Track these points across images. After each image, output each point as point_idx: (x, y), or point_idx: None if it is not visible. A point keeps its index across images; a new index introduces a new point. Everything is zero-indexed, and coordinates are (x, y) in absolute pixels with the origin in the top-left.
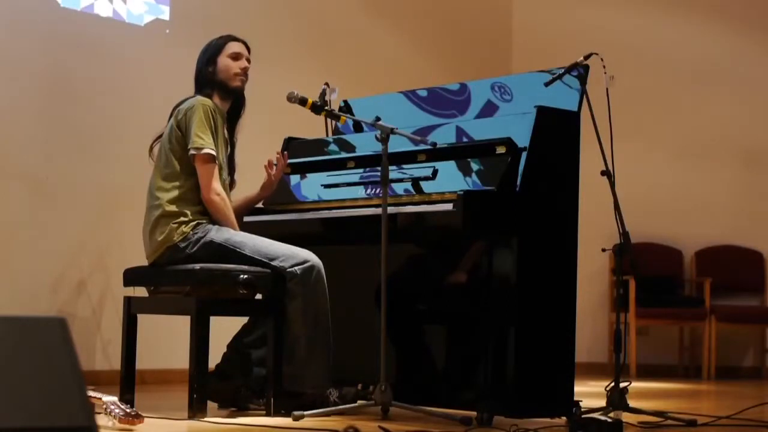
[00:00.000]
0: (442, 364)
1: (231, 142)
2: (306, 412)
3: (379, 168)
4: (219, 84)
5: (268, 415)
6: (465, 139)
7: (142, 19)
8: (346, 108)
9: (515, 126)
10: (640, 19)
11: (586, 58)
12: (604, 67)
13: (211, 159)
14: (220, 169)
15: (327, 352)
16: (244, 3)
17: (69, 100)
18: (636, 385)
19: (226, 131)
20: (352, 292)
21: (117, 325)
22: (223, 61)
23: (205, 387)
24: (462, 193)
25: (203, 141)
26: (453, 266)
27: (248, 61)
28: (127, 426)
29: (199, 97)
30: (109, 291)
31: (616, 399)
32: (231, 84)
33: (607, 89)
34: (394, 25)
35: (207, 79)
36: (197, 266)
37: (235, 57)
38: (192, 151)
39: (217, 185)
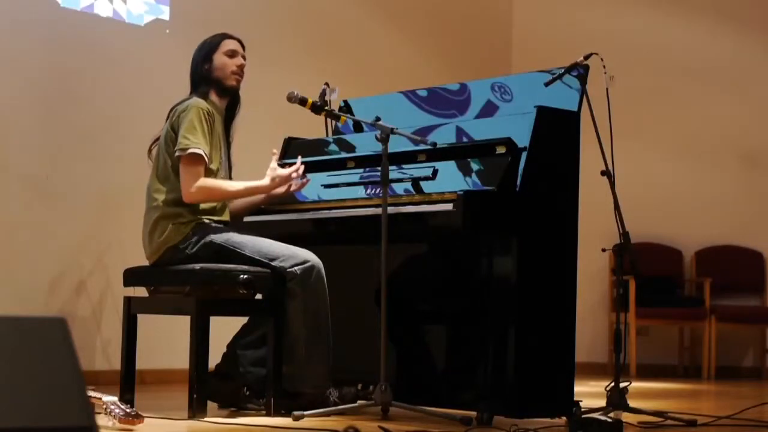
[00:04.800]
0: (442, 364)
1: (227, 141)
2: (306, 412)
3: (379, 168)
4: (215, 82)
5: (268, 415)
6: (465, 139)
7: (142, 19)
8: (346, 108)
9: (515, 126)
10: (640, 19)
11: (586, 58)
12: (604, 67)
13: (195, 160)
14: (218, 170)
15: (327, 352)
16: (244, 3)
17: (69, 100)
18: (636, 385)
19: (223, 130)
20: (352, 292)
21: (117, 325)
22: (220, 58)
23: (205, 387)
24: (462, 193)
25: (189, 141)
26: (453, 266)
27: (244, 58)
28: (127, 426)
29: (195, 99)
30: (109, 291)
31: (616, 399)
32: (227, 82)
33: (607, 89)
34: (394, 25)
35: (203, 77)
36: (197, 266)
37: (231, 54)
38: (177, 153)
39: (194, 186)
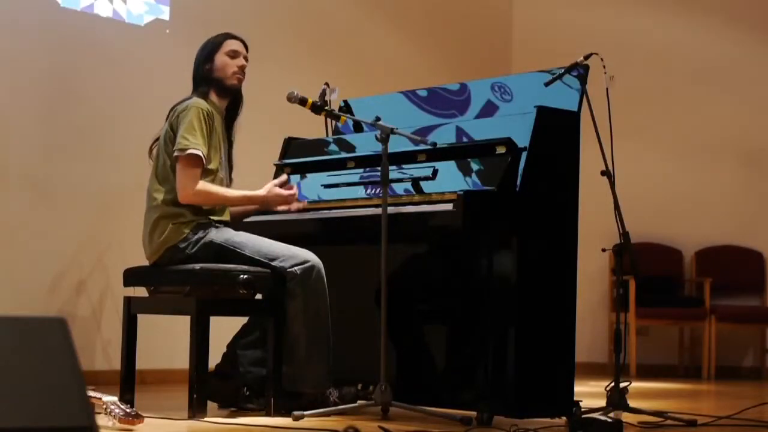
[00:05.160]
0: (442, 364)
1: (228, 141)
2: (306, 412)
3: (379, 168)
4: (216, 82)
5: (268, 415)
6: (465, 139)
7: (142, 19)
8: (346, 108)
9: (515, 126)
10: (640, 19)
11: (586, 58)
12: (604, 67)
13: (193, 160)
14: (217, 170)
15: (327, 352)
16: (244, 3)
17: (69, 100)
18: (636, 385)
19: (223, 130)
20: (352, 292)
21: (117, 325)
22: (221, 58)
23: (205, 387)
24: (462, 193)
25: (188, 142)
26: (453, 266)
27: (246, 59)
28: (127, 426)
29: (195, 99)
30: (109, 291)
31: (616, 399)
32: (227, 82)
33: (607, 89)
34: (394, 25)
35: (204, 77)
36: (197, 266)
37: (233, 55)
38: (176, 153)
39: (191, 188)
